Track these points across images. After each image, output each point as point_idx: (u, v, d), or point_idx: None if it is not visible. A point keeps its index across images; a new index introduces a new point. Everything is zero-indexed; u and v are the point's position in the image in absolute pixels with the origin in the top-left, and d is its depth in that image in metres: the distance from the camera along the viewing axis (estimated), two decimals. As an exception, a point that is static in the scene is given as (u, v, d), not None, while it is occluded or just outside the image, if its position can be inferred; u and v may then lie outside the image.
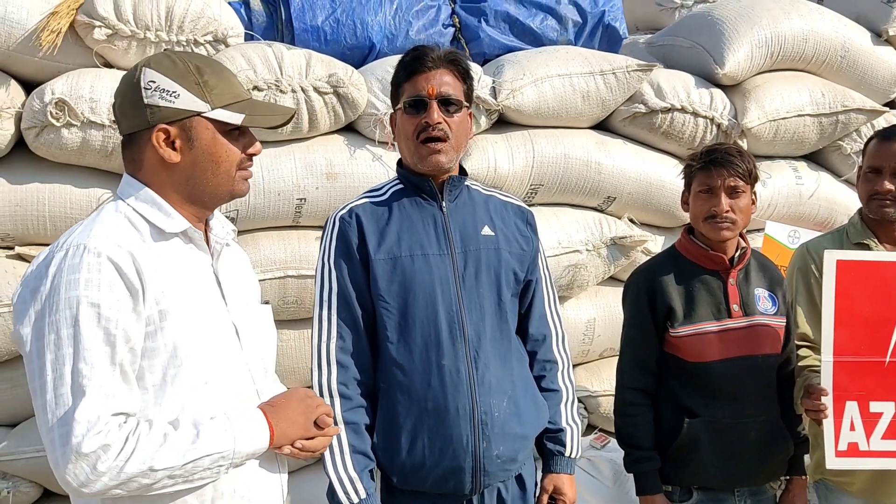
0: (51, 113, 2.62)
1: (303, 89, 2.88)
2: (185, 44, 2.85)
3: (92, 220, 1.55)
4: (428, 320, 1.98)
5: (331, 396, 1.97)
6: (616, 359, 2.44)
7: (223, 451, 1.48)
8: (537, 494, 2.19)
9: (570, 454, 2.20)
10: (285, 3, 3.20)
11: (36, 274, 1.48)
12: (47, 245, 2.74)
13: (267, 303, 1.86)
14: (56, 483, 2.72)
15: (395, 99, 2.10)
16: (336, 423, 1.93)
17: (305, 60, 2.93)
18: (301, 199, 2.93)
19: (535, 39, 3.47)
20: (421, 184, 2.08)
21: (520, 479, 2.12)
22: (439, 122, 2.00)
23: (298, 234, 2.99)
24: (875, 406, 2.19)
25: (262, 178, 2.88)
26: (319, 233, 3.01)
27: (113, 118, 2.63)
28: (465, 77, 2.08)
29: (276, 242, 2.93)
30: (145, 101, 1.54)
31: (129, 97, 1.57)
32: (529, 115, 3.19)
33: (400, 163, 2.15)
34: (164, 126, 1.55)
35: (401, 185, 2.12)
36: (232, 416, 1.52)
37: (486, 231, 2.09)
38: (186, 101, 1.55)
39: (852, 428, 2.19)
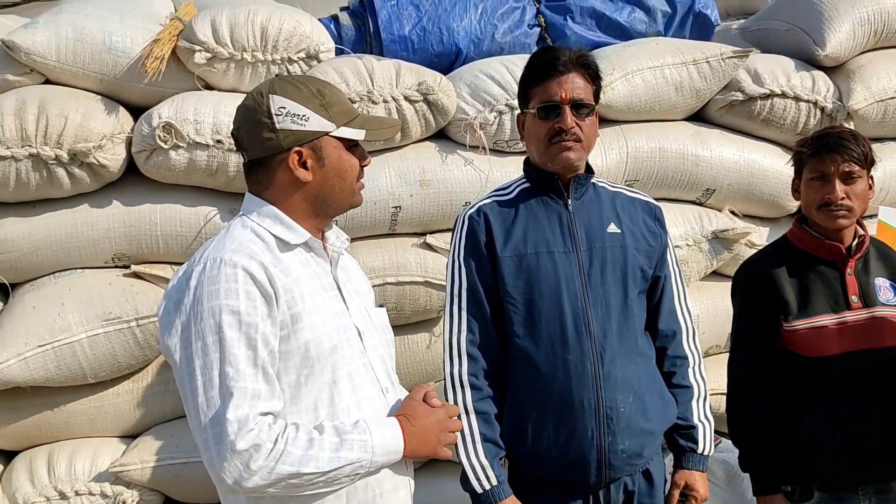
0: (159, 136, 2.74)
1: (394, 99, 2.91)
2: (279, 62, 2.93)
3: (223, 236, 1.66)
4: (553, 316, 2.02)
5: (462, 387, 2.04)
6: (723, 356, 2.37)
7: (362, 461, 1.58)
8: (668, 489, 2.17)
9: (703, 451, 2.19)
10: (372, 16, 3.25)
11: (177, 287, 1.60)
12: (161, 263, 2.91)
13: (382, 306, 1.92)
14: (176, 491, 2.87)
15: (523, 101, 2.14)
16: (466, 413, 2.03)
17: (395, 70, 2.97)
18: (396, 207, 2.96)
19: (624, 33, 3.41)
20: (547, 182, 2.11)
21: (647, 474, 2.12)
22: (573, 127, 2.02)
23: (395, 242, 3.03)
24: None
25: (359, 189, 2.93)
26: (416, 240, 3.07)
27: (217, 139, 2.76)
28: (595, 78, 2.10)
29: (373, 251, 2.98)
30: (278, 126, 1.64)
31: (258, 123, 1.65)
32: (621, 110, 3.14)
33: (527, 161, 2.19)
34: (298, 148, 1.65)
35: (527, 184, 2.16)
36: (372, 425, 1.61)
37: (613, 228, 2.11)
38: (315, 122, 1.65)
39: None
